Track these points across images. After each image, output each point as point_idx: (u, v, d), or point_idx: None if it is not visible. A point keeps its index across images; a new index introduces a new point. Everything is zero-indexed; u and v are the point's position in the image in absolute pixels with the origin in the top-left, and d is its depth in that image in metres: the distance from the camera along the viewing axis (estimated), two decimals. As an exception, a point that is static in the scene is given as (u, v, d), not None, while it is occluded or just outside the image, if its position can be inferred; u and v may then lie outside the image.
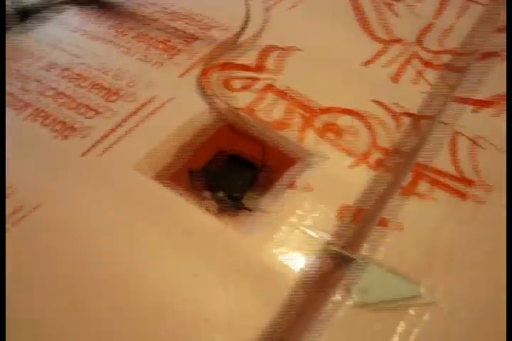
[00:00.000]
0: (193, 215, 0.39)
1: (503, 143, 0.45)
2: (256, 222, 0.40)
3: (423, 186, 0.43)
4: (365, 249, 0.39)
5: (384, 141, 0.45)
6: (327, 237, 0.39)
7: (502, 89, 0.50)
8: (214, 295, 0.36)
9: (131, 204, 0.39)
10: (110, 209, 0.39)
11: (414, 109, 0.48)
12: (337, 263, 0.39)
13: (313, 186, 0.42)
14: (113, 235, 0.38)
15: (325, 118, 0.46)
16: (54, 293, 0.34)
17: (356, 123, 0.46)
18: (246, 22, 0.49)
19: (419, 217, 0.41)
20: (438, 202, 0.42)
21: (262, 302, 0.36)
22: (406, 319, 0.36)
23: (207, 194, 0.44)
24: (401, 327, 0.36)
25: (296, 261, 0.38)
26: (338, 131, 0.45)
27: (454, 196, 0.42)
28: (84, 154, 0.41)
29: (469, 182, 0.43)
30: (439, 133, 0.46)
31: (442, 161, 0.44)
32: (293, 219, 0.40)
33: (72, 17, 0.51)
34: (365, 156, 0.44)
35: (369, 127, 0.46)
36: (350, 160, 0.44)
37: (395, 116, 0.47)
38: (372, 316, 0.36)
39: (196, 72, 0.47)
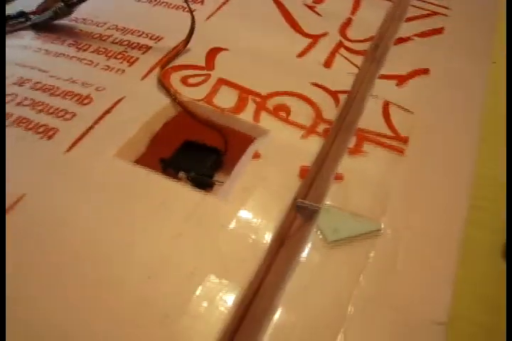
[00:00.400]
0: (176, 191, 0.44)
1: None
2: (227, 191, 0.45)
3: (366, 146, 0.50)
4: (327, 200, 0.45)
5: (328, 115, 0.52)
6: (293, 194, 0.45)
7: (416, 66, 0.59)
8: (200, 250, 0.41)
9: (113, 189, 0.43)
10: (95, 196, 0.43)
11: (347, 87, 0.56)
12: (306, 215, 0.45)
13: (274, 155, 0.48)
14: (99, 217, 0.42)
15: (274, 100, 0.53)
16: (45, 282, 0.38)
17: (302, 102, 0.53)
18: (191, 31, 0.56)
19: (370, 170, 0.48)
20: (382, 156, 0.49)
21: (243, 256, 0.41)
22: (375, 248, 0.42)
23: (182, 174, 0.50)
24: (371, 253, 0.42)
25: (270, 217, 0.44)
26: (288, 110, 0.52)
27: (394, 151, 0.50)
28: (68, 150, 0.45)
29: (404, 140, 0.51)
30: (372, 104, 0.54)
31: (379, 125, 0.52)
32: (261, 184, 0.46)
33: (33, 40, 0.57)
34: (313, 127, 0.51)
35: (313, 105, 0.53)
36: (301, 132, 0.50)
37: (333, 93, 0.55)
38: (345, 251, 0.42)
39: (156, 74, 0.53)
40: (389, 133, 0.51)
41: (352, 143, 0.50)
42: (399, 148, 0.50)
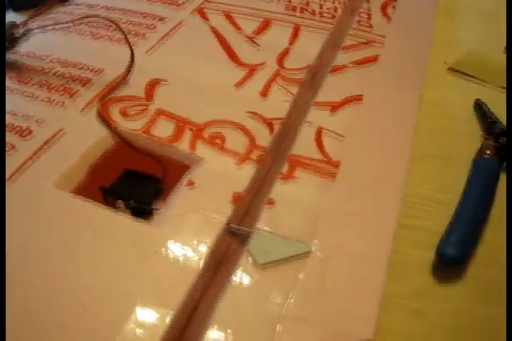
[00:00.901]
0: (113, 220, 0.46)
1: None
2: (165, 217, 0.47)
3: (299, 171, 0.52)
4: (259, 224, 0.47)
5: (262, 142, 0.55)
6: (225, 219, 0.47)
7: (349, 93, 0.62)
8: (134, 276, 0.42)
9: (52, 218, 0.45)
10: (34, 224, 0.45)
11: (282, 115, 0.58)
12: (239, 239, 0.47)
13: (208, 182, 0.50)
14: (44, 248, 0.43)
15: (210, 129, 0.55)
16: None
17: (237, 131, 0.55)
18: (131, 64, 0.58)
19: (301, 194, 0.50)
20: (314, 181, 0.51)
21: (176, 280, 0.43)
22: (304, 269, 0.44)
23: (120, 203, 0.51)
24: (301, 275, 0.44)
25: (204, 241, 0.45)
26: (223, 138, 0.54)
27: (325, 175, 0.52)
28: (7, 179, 0.47)
29: (335, 164, 0.53)
30: (306, 130, 0.57)
31: (312, 151, 0.54)
32: (196, 209, 0.47)
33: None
34: (247, 154, 0.53)
35: (247, 132, 0.55)
36: (236, 159, 0.52)
37: (268, 121, 0.57)
38: (275, 272, 0.44)
39: (95, 106, 0.55)
40: (321, 157, 0.54)
41: (285, 168, 0.52)
42: (330, 173, 0.52)
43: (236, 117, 0.57)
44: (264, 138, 0.55)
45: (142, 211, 0.52)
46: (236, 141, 0.54)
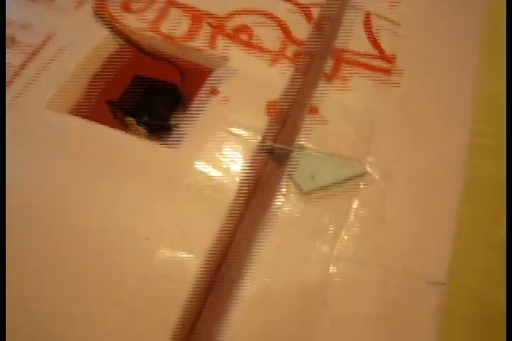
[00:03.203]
0: (124, 142, 0.38)
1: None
2: (186, 135, 0.38)
3: (346, 69, 0.42)
4: (300, 139, 0.38)
5: (298, 34, 0.44)
6: (260, 135, 0.38)
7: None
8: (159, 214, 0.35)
9: (54, 145, 0.37)
10: (36, 153, 0.37)
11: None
12: (277, 160, 0.39)
13: (235, 89, 0.40)
14: (47, 178, 0.36)
15: (233, 22, 0.44)
16: None
17: (266, 21, 0.45)
18: None
19: (349, 99, 0.41)
20: (365, 82, 0.42)
21: (208, 211, 0.35)
22: (359, 196, 0.36)
23: (130, 120, 0.43)
24: (355, 203, 0.36)
25: (236, 164, 0.37)
26: (250, 33, 0.44)
27: (378, 74, 0.42)
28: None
29: (390, 59, 0.43)
30: (352, 17, 0.45)
31: (361, 43, 0.44)
32: (222, 125, 0.39)
33: None
34: (282, 51, 0.43)
35: (280, 23, 0.44)
36: (268, 58, 0.42)
37: (304, 8, 0.46)
38: (324, 202, 0.36)
39: (89, 1, 0.44)
40: (372, 51, 0.43)
41: (329, 67, 0.42)
42: (384, 69, 0.42)
43: (263, 4, 0.46)
44: (301, 29, 0.45)
45: (158, 127, 0.43)
46: (266, 35, 0.44)
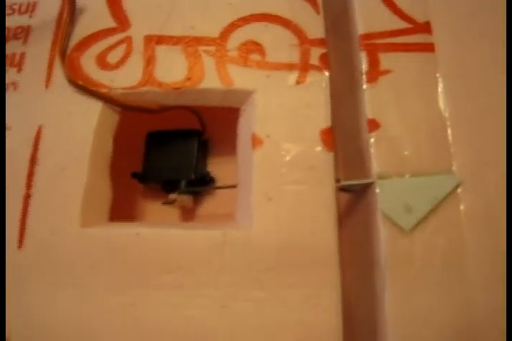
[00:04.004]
0: (185, 240, 0.32)
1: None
2: (245, 205, 0.33)
3: (386, 59, 0.35)
4: (375, 166, 0.33)
5: (313, 31, 0.37)
6: (332, 177, 0.33)
7: None
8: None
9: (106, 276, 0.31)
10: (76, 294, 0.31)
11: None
12: (358, 195, 0.34)
13: (276, 128, 0.34)
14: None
15: (235, 40, 0.36)
16: None
17: (272, 27, 0.37)
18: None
19: (403, 100, 0.34)
20: (410, 72, 0.35)
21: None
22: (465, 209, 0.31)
23: (172, 196, 0.37)
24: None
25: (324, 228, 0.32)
26: (260, 49, 0.36)
27: (420, 53, 0.35)
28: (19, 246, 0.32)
29: (424, 28, 0.36)
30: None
31: (383, 17, 0.36)
32: (282, 179, 0.33)
33: None
34: (305, 60, 0.36)
35: (288, 24, 0.37)
36: (293, 76, 0.35)
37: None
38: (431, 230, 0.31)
39: (60, 72, 0.36)
40: (402, 24, 0.36)
41: (364, 62, 0.35)
42: (425, 45, 0.35)
43: (259, 5, 0.37)
44: (314, 24, 0.37)
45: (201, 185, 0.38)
46: (279, 46, 0.36)
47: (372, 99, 0.34)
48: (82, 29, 0.37)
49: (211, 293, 0.30)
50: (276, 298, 0.30)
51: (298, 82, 0.35)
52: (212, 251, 0.31)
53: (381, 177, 0.32)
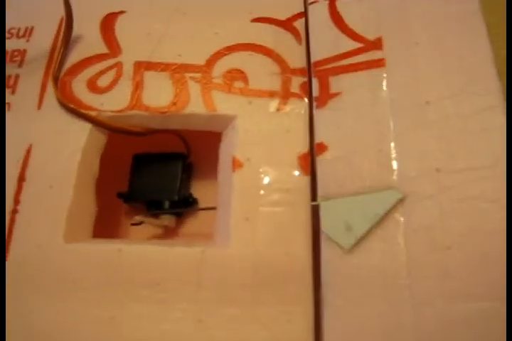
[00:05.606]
0: (163, 257, 0.33)
1: None
2: (222, 228, 0.34)
3: (334, 83, 0.36)
4: (319, 189, 0.34)
5: (294, 60, 0.39)
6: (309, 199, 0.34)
7: None
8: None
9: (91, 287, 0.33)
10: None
11: (300, 8, 0.41)
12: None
13: (254, 152, 0.36)
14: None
15: (220, 67, 0.38)
16: None
17: (255, 56, 0.39)
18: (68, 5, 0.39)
19: (346, 121, 0.35)
20: (358, 90, 0.36)
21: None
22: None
23: (138, 218, 0.39)
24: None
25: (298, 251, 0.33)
26: (243, 76, 0.38)
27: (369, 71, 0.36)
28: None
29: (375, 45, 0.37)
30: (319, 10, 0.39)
31: (333, 40, 0.38)
32: (261, 200, 0.34)
33: None
34: (286, 88, 0.37)
35: (270, 54, 0.39)
36: (274, 103, 0.37)
37: (286, 24, 0.40)
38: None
39: (52, 95, 0.38)
40: (352, 44, 0.37)
41: (315, 88, 0.37)
42: (376, 61, 0.36)
43: (242, 35, 0.40)
44: (295, 53, 0.39)
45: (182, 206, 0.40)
46: (261, 74, 0.38)
47: (321, 122, 0.35)
48: (76, 54, 0.39)
49: (188, 307, 0.32)
50: (250, 314, 0.31)
51: (278, 109, 0.37)
52: (191, 268, 0.32)
53: (324, 198, 0.33)
